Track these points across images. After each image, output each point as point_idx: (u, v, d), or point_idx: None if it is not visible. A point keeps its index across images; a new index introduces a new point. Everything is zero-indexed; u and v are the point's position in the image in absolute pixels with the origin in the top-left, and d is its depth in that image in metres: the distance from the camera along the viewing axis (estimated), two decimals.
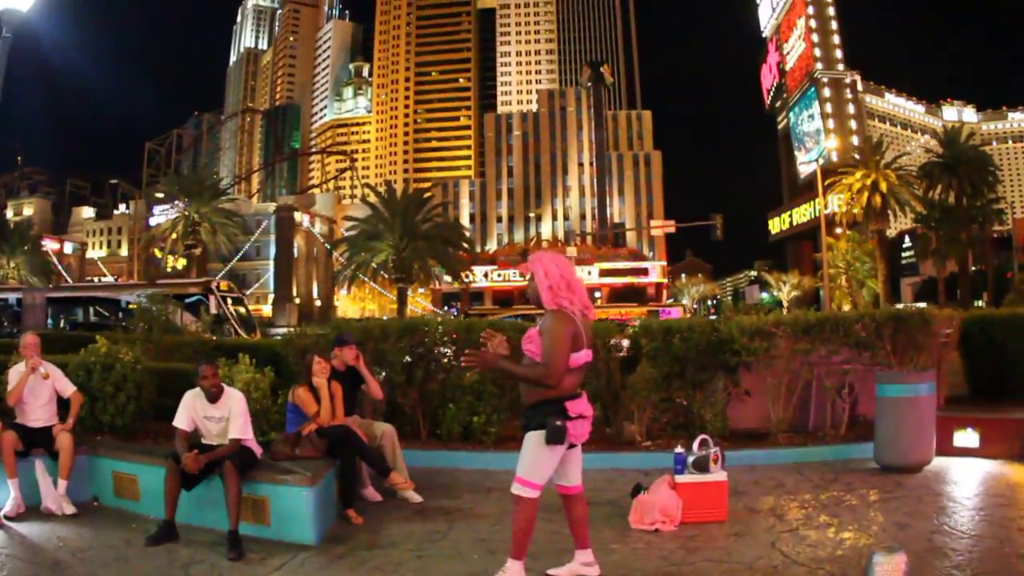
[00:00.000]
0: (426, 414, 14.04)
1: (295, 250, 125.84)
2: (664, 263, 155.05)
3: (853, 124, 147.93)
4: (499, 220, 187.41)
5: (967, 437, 12.61)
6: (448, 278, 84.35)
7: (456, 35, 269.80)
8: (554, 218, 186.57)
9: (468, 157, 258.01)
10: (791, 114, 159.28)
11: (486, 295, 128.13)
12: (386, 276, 74.97)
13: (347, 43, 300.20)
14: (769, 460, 12.53)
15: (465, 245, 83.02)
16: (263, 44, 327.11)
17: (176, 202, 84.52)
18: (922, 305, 15.99)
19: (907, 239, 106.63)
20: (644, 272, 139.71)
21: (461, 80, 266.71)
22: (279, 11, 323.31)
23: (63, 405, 10.79)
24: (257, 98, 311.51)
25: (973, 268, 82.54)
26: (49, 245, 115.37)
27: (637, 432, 13.52)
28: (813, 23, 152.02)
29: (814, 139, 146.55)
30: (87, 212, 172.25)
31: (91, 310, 47.80)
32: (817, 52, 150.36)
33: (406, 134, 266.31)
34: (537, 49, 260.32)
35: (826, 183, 71.18)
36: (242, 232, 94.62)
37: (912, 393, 11.86)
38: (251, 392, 11.63)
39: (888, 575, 6.44)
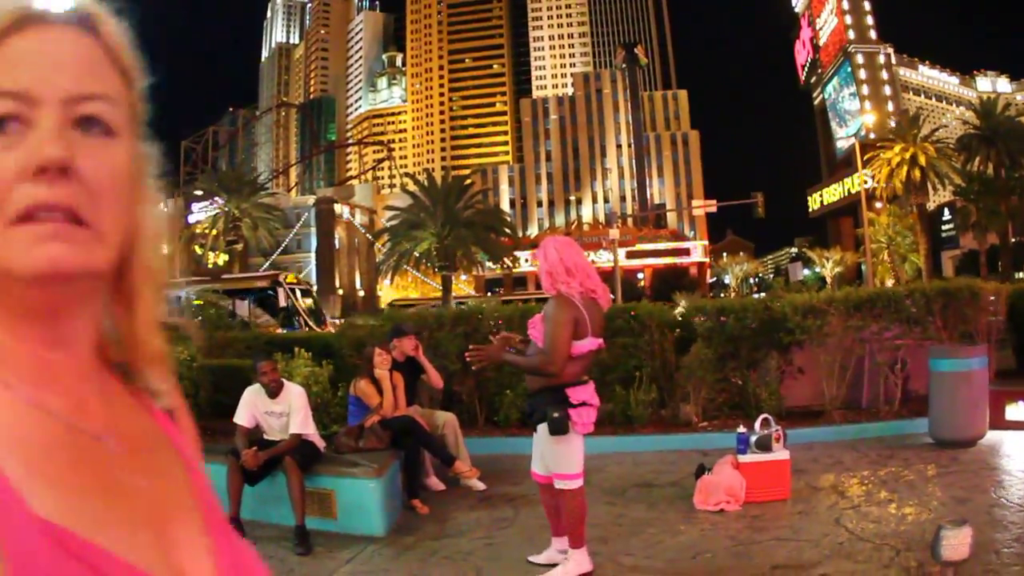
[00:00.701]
0: (483, 401, 14.14)
1: (336, 242, 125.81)
2: (706, 243, 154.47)
3: (888, 98, 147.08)
4: (539, 204, 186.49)
5: (1020, 410, 12.52)
6: (490, 264, 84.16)
7: (488, 21, 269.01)
8: (594, 201, 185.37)
9: (505, 143, 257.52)
10: (826, 89, 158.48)
11: (529, 279, 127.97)
12: (429, 264, 74.98)
13: (379, 33, 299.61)
14: (825, 437, 12.55)
15: (507, 230, 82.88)
16: (295, 38, 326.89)
17: (215, 199, 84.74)
18: (966, 279, 15.75)
19: (946, 212, 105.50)
20: (686, 252, 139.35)
21: (495, 66, 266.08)
22: (309, 4, 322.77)
23: None
24: (291, 92, 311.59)
25: (1013, 240, 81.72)
26: None
27: (693, 413, 13.56)
28: None
29: (851, 114, 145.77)
30: None
31: None
32: (850, 26, 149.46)
33: (442, 122, 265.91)
34: (570, 32, 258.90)
35: (865, 158, 70.71)
36: (283, 226, 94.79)
37: (965, 367, 11.83)
38: (311, 386, 11.72)
39: (955, 548, 6.43)
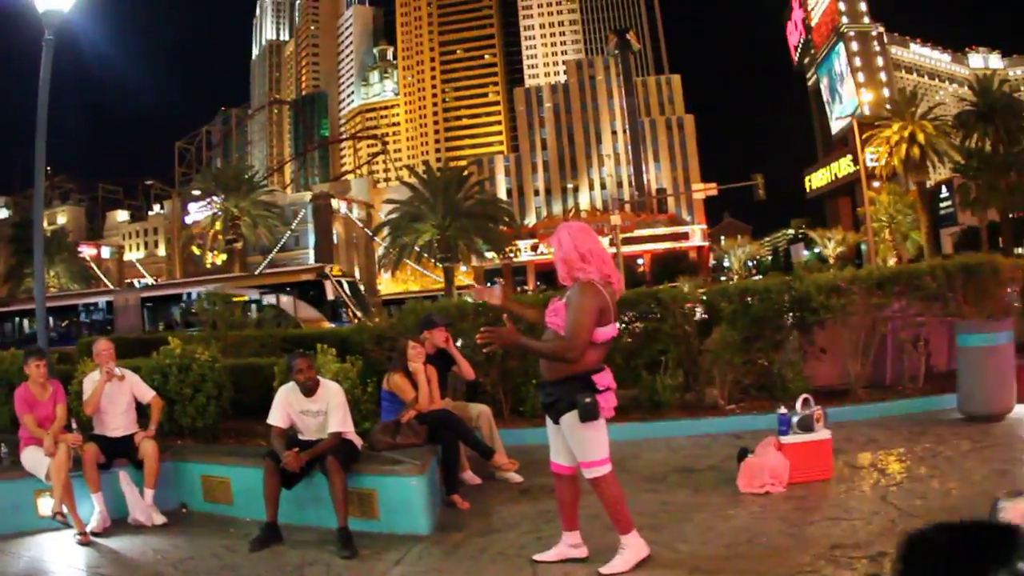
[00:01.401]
0: (507, 392, 14.06)
1: (335, 237, 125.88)
2: (704, 226, 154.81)
3: (883, 76, 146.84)
4: (536, 193, 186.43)
5: None
6: (490, 254, 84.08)
7: (478, 11, 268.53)
8: (591, 188, 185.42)
9: (499, 133, 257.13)
10: (820, 69, 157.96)
11: (528, 269, 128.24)
12: (429, 257, 74.97)
13: (369, 28, 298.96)
14: (854, 416, 12.52)
15: (507, 220, 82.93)
16: (284, 35, 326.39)
17: (212, 198, 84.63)
18: (984, 254, 15.89)
19: (944, 189, 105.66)
20: (685, 236, 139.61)
21: (487, 56, 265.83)
22: (298, 1, 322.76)
23: (142, 412, 10.60)
24: (283, 89, 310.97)
25: (1012, 216, 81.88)
26: (86, 251, 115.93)
27: (720, 396, 13.55)
28: None
29: (846, 93, 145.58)
30: (121, 215, 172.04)
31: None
32: (842, 6, 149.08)
33: (435, 114, 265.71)
34: (560, 20, 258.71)
35: (863, 137, 70.79)
36: (281, 223, 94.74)
37: (992, 342, 11.89)
38: (341, 382, 11.68)
39: (1015, 520, 6.53)
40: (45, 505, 9.64)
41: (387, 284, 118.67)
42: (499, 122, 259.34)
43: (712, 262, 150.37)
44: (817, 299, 13.45)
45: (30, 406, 9.96)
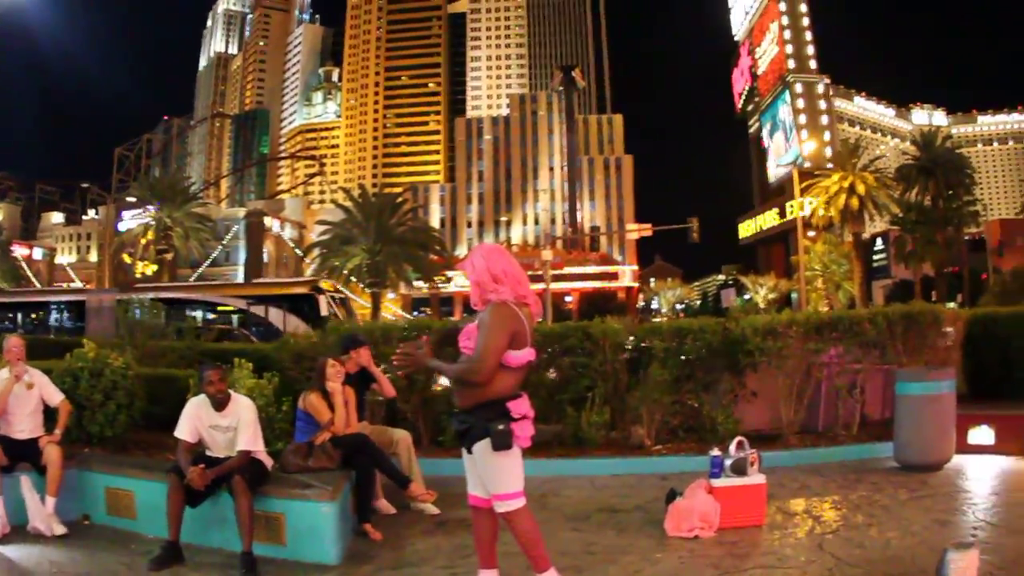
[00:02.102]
0: (428, 420, 13.64)
1: (265, 255, 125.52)
2: (635, 268, 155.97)
3: (826, 127, 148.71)
4: (469, 225, 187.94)
5: (982, 434, 12.62)
6: (419, 283, 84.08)
7: (426, 39, 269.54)
8: (524, 223, 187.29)
9: (437, 162, 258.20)
10: (763, 117, 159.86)
11: (456, 300, 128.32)
12: (358, 281, 74.65)
13: (317, 47, 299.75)
14: (786, 462, 12.30)
15: (438, 248, 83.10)
16: (233, 49, 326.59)
17: (147, 207, 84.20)
18: (926, 303, 16.11)
19: (879, 242, 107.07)
20: (614, 276, 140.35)
21: (431, 84, 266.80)
22: (249, 15, 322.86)
23: (49, 415, 10.14)
24: (227, 103, 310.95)
25: (946, 270, 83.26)
26: (19, 251, 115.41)
27: (645, 435, 13.25)
28: (787, 27, 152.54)
29: (787, 143, 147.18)
30: (56, 217, 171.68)
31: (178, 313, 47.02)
32: (790, 56, 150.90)
33: (375, 139, 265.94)
34: (508, 54, 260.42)
35: (802, 186, 71.49)
36: (213, 237, 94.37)
37: (935, 391, 11.81)
38: (255, 399, 11.10)
39: (964, 571, 6.35)
40: None
41: None
42: (438, 151, 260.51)
43: (641, 303, 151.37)
44: (753, 341, 13.21)
45: None
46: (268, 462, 8.91)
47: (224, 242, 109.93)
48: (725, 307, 57.70)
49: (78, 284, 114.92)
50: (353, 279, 73.87)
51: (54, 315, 49.63)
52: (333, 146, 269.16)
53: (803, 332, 13.65)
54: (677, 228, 71.20)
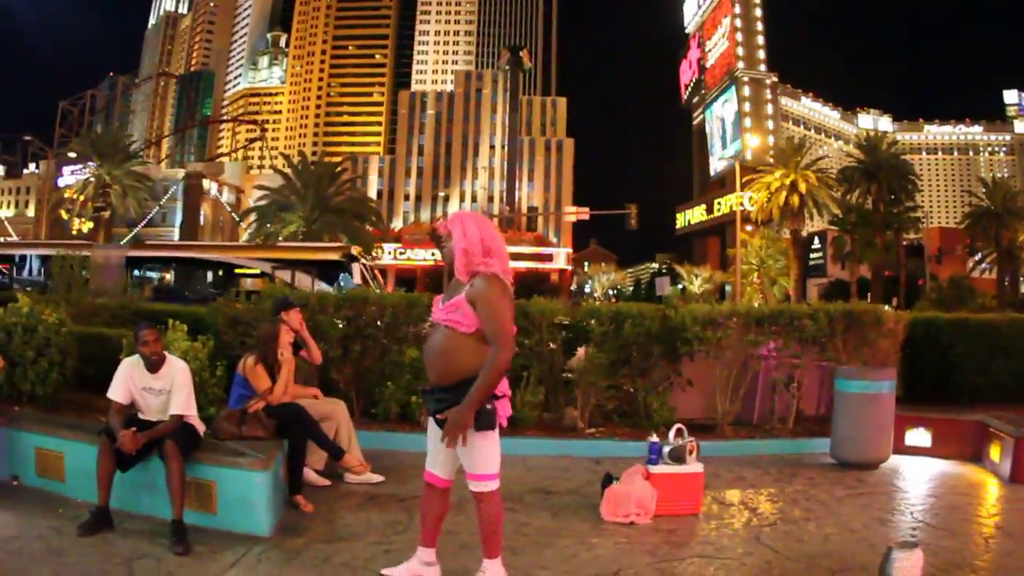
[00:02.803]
0: (361, 392, 13.45)
1: (201, 218, 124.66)
2: (570, 251, 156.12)
3: (770, 124, 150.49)
4: (406, 198, 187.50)
5: (919, 436, 12.68)
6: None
7: (376, 11, 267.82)
8: (462, 199, 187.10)
9: (379, 134, 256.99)
10: (707, 110, 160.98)
11: (389, 273, 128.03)
12: None
13: (267, 12, 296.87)
14: (721, 452, 12.27)
15: (375, 220, 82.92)
16: (183, 8, 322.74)
17: (88, 163, 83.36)
18: (868, 303, 16.36)
19: (816, 240, 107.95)
20: (549, 258, 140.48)
21: (378, 56, 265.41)
22: None
23: None
24: (173, 62, 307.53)
25: (886, 273, 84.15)
26: None
27: (580, 418, 13.22)
28: (739, 23, 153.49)
29: (730, 136, 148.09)
30: None
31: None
32: (740, 51, 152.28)
33: (318, 107, 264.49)
34: (456, 30, 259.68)
35: (743, 180, 71.89)
36: (151, 197, 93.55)
37: (874, 390, 11.84)
38: (189, 363, 10.87)
39: (908, 571, 6.35)
40: None
41: None
42: (379, 123, 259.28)
43: (574, 286, 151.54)
44: (692, 330, 13.20)
45: None
46: (201, 428, 8.61)
47: (161, 202, 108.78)
48: (659, 295, 57.74)
49: (14, 237, 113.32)
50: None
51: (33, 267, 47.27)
52: (276, 112, 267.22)
53: (743, 324, 13.63)
54: (615, 213, 71.31)
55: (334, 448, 9.73)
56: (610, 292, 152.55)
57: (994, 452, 11.65)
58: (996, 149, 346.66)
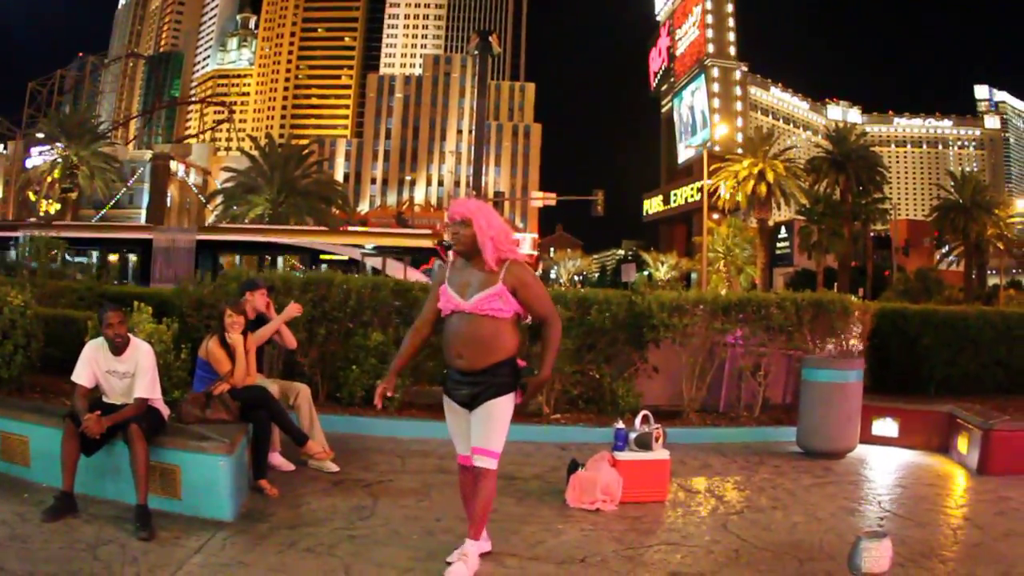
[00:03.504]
0: (326, 375, 13.42)
1: (168, 200, 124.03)
2: (536, 236, 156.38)
3: (739, 114, 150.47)
4: (373, 182, 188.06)
5: (886, 426, 12.75)
6: None
7: None
8: (428, 183, 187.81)
9: (346, 117, 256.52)
10: (676, 98, 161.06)
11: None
12: None
13: None
14: (687, 439, 12.34)
15: (341, 203, 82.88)
16: None
17: (56, 144, 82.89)
18: (836, 293, 16.45)
19: (783, 230, 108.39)
20: (515, 243, 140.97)
21: (347, 39, 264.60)
22: None
23: None
24: (142, 43, 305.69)
25: (853, 264, 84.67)
26: None
27: (545, 404, 13.22)
28: (710, 12, 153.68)
29: (699, 125, 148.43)
30: None
31: (271, 261, 43.57)
32: (710, 40, 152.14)
33: (286, 89, 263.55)
34: (426, 14, 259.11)
35: (711, 169, 72.09)
36: (119, 179, 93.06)
37: (841, 379, 11.91)
38: (154, 345, 10.74)
39: (876, 560, 6.31)
40: None
41: None
42: (347, 106, 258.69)
43: (539, 272, 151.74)
44: (659, 316, 13.20)
45: None
46: (165, 411, 8.49)
47: (129, 184, 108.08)
48: (625, 281, 57.62)
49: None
50: None
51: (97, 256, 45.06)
52: (244, 94, 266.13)
53: (710, 311, 13.68)
54: (581, 200, 71.36)
55: (299, 434, 9.62)
56: (576, 278, 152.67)
57: (962, 443, 11.72)
58: (966, 143, 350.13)
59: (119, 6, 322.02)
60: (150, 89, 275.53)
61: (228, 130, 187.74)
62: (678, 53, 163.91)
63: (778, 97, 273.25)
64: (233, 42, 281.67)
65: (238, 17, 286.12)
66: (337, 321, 13.32)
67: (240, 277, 13.40)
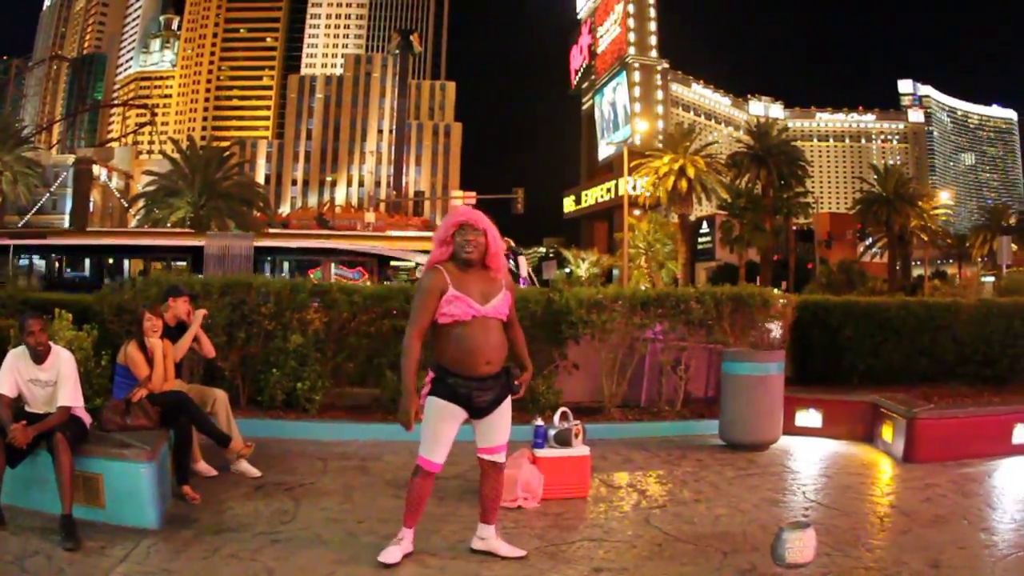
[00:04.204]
0: (246, 379, 13.36)
1: (91, 204, 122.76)
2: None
3: (660, 110, 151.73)
4: (294, 183, 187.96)
5: (810, 417, 12.92)
6: None
7: None
8: (349, 184, 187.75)
9: (268, 118, 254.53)
10: (597, 95, 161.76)
11: None
12: None
13: None
14: (609, 435, 12.44)
15: (262, 206, 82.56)
16: None
17: None
18: (756, 286, 16.63)
19: (705, 225, 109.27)
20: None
21: (268, 39, 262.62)
22: None
23: None
24: (67, 45, 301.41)
25: (775, 257, 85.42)
26: None
27: None
28: (632, 9, 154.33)
29: (619, 122, 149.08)
30: None
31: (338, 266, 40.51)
32: (632, 37, 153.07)
33: (208, 91, 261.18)
34: (348, 13, 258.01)
35: (631, 165, 72.43)
36: (42, 184, 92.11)
37: (762, 372, 12.04)
38: (74, 352, 10.63)
39: (799, 551, 6.35)
40: None
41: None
42: (269, 107, 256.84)
43: None
44: (577, 313, 13.30)
45: None
46: (87, 419, 8.40)
47: (52, 189, 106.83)
48: (546, 279, 57.78)
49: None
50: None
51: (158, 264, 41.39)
52: (166, 96, 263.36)
53: (628, 307, 13.75)
54: (502, 198, 71.37)
55: (220, 435, 9.60)
56: None
57: (886, 432, 11.90)
58: (889, 137, 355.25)
59: (44, 8, 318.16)
60: (73, 92, 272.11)
61: (150, 133, 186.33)
62: (599, 51, 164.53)
63: (700, 93, 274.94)
64: (156, 43, 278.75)
65: (161, 18, 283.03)
66: (257, 324, 13.23)
67: (160, 282, 13.32)
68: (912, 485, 10.09)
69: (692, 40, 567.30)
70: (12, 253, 39.39)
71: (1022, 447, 11.79)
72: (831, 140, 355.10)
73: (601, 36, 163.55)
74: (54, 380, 8.02)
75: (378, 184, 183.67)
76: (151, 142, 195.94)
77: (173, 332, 10.13)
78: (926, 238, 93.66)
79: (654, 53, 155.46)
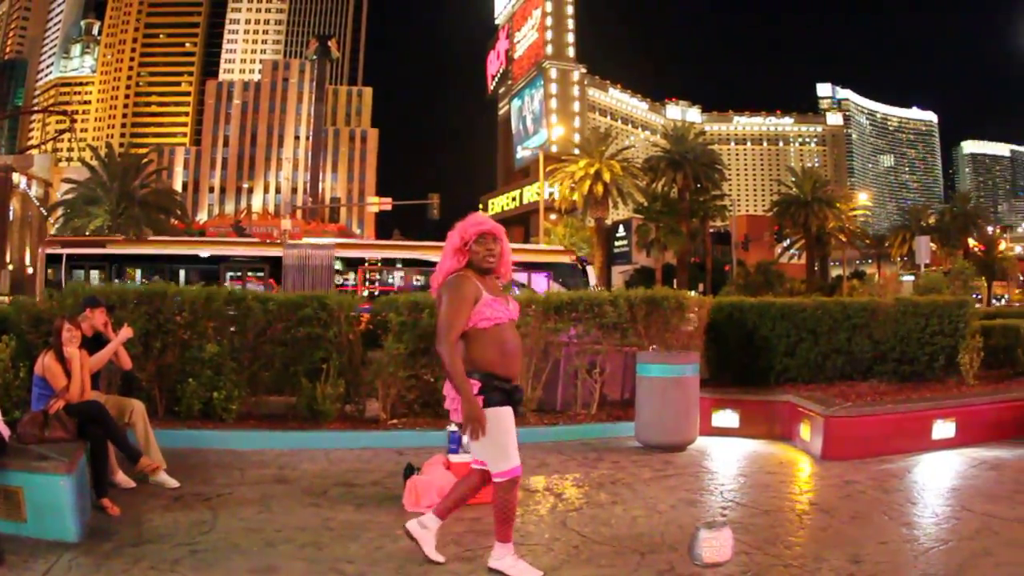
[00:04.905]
0: (163, 389, 13.26)
1: (10, 213, 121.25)
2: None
3: (576, 115, 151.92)
4: (211, 190, 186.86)
5: (727, 417, 13.18)
6: None
7: None
8: (266, 191, 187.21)
9: (186, 124, 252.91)
10: (514, 100, 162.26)
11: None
12: None
13: None
14: (525, 439, 11.93)
15: (179, 213, 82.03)
16: None
17: None
18: (671, 289, 16.76)
19: (621, 228, 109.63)
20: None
21: (188, 44, 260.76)
22: None
23: None
24: None
25: (692, 260, 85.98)
26: None
27: (381, 409, 13.35)
28: (549, 14, 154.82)
29: (536, 127, 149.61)
30: None
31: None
32: (549, 41, 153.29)
33: (127, 97, 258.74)
34: (267, 19, 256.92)
35: (548, 169, 72.69)
36: None
37: (677, 374, 12.20)
38: None
39: (716, 550, 6.50)
40: None
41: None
42: (187, 114, 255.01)
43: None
44: None
45: None
46: (6, 432, 8.22)
47: None
48: None
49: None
50: None
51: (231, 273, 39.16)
52: (86, 102, 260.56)
53: (542, 311, 13.93)
54: (418, 204, 71.32)
55: (131, 450, 9.48)
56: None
57: (804, 430, 12.10)
58: (807, 140, 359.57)
59: None
60: None
61: (70, 140, 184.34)
62: (517, 56, 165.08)
63: (617, 98, 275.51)
64: (77, 48, 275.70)
65: (82, 23, 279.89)
66: (172, 333, 13.19)
67: (77, 292, 13.23)
68: (831, 482, 10.26)
69: (610, 45, 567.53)
70: (65, 263, 38.42)
71: (942, 442, 12.07)
72: (749, 143, 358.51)
73: (519, 41, 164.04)
74: None
75: (295, 191, 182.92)
76: (70, 149, 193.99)
77: (90, 343, 10.04)
78: (844, 239, 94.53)
79: (571, 58, 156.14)
